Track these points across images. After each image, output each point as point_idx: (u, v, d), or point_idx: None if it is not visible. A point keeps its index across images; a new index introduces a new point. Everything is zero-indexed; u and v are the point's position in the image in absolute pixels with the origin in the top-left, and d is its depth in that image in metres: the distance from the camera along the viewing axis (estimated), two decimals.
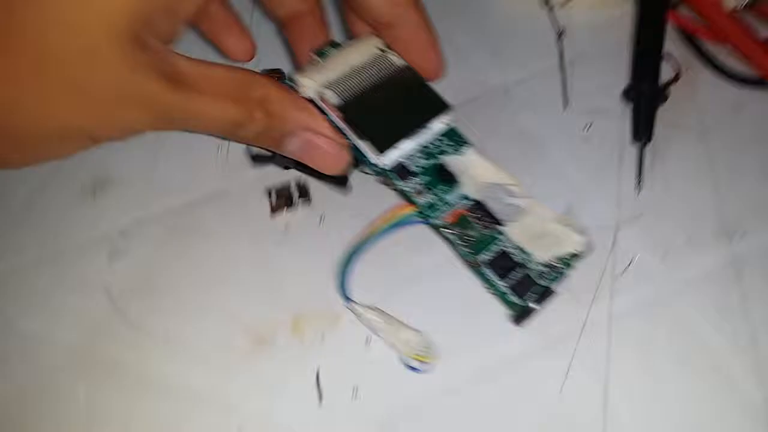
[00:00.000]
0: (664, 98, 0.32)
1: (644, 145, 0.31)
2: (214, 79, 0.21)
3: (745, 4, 0.27)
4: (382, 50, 0.27)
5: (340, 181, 0.29)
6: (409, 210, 0.26)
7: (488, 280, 0.24)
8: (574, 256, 0.25)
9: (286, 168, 0.31)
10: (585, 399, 0.26)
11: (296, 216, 0.30)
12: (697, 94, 0.34)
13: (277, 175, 0.31)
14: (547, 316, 0.25)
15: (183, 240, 0.30)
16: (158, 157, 0.32)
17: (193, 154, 0.32)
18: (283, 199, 0.30)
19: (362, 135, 0.25)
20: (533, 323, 0.25)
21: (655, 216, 0.30)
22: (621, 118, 0.33)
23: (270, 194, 0.31)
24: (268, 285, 0.28)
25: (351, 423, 0.25)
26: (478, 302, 0.26)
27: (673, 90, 0.33)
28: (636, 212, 0.30)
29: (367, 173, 0.27)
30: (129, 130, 0.21)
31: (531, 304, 0.24)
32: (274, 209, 0.30)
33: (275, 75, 0.30)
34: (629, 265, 0.28)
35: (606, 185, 0.31)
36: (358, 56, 0.27)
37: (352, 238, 0.28)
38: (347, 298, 0.27)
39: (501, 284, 0.24)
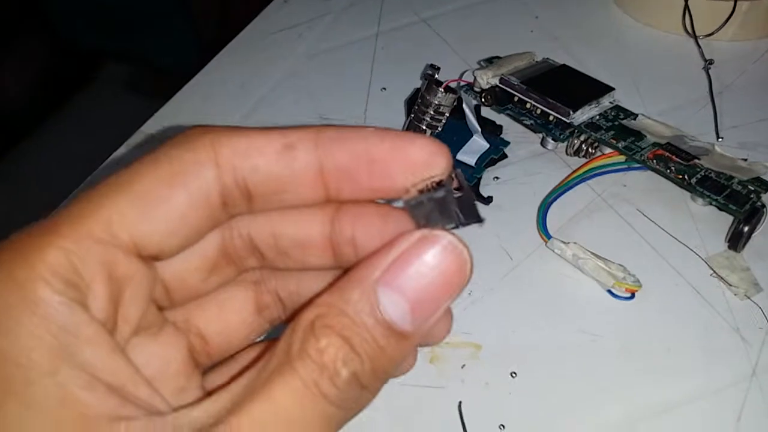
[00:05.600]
0: None
1: None
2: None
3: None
4: (542, 59, 0.32)
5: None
6: (608, 159, 0.29)
7: (707, 195, 0.27)
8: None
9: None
10: None
11: None
12: None
13: None
14: None
15: None
16: None
17: None
18: None
19: (551, 101, 0.29)
20: None
21: None
22: None
23: None
24: None
25: None
26: None
27: None
28: None
29: (548, 149, 0.30)
30: None
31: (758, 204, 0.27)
32: None
33: (433, 69, 0.29)
34: None
35: None
36: (520, 61, 0.31)
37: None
38: (549, 235, 0.27)
39: (719, 198, 0.27)
